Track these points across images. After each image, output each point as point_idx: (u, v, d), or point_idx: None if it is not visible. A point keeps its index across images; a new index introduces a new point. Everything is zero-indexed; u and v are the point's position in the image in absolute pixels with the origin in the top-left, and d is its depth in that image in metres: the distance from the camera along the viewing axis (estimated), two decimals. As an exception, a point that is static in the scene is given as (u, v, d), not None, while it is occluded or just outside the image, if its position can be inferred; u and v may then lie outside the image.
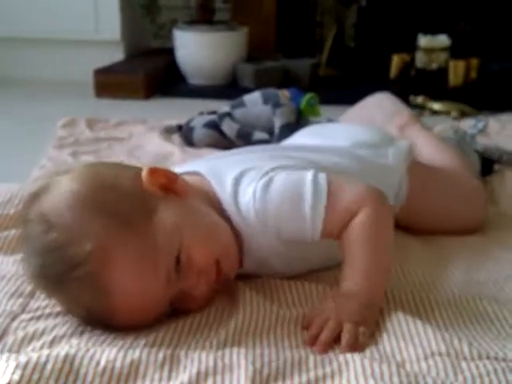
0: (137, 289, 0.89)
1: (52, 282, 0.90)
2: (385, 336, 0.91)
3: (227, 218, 1.02)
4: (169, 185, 0.97)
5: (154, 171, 0.97)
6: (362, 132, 1.37)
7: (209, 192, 1.04)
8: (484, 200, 1.36)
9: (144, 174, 0.96)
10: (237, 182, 1.03)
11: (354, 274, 0.96)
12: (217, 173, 1.06)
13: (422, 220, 1.29)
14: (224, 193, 1.03)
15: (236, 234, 1.02)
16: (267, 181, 1.01)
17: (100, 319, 0.91)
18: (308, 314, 0.95)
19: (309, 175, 1.01)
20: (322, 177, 1.01)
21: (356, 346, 0.87)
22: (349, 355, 0.85)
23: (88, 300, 0.89)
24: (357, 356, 0.84)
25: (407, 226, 1.28)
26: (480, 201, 1.34)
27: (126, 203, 0.92)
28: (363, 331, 0.89)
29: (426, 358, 0.85)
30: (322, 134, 1.36)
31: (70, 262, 0.87)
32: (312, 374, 0.81)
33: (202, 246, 0.95)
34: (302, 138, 1.38)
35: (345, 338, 0.87)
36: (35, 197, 0.93)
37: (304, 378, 0.81)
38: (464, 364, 0.82)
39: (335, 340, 0.88)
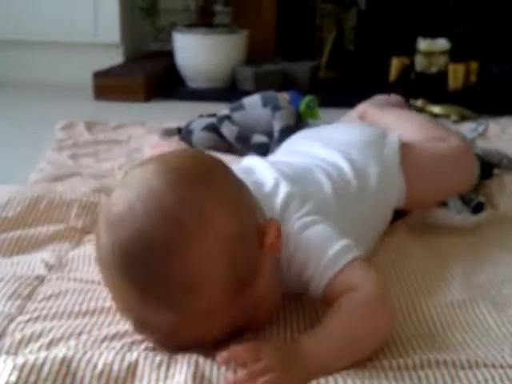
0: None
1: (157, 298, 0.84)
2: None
3: None
4: (274, 244, 0.91)
5: (278, 229, 0.91)
6: (358, 132, 1.36)
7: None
8: (472, 157, 1.38)
9: (271, 233, 0.90)
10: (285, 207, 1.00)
11: (319, 335, 0.87)
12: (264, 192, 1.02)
13: (419, 200, 1.30)
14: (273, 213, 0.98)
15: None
16: (307, 222, 0.98)
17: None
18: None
19: (343, 240, 0.96)
20: (353, 250, 0.96)
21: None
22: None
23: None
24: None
25: (409, 208, 1.31)
26: (469, 160, 1.36)
27: (249, 261, 0.86)
28: (277, 376, 0.79)
29: (422, 367, 0.84)
30: (322, 139, 1.33)
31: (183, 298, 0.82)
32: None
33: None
34: (301, 141, 1.37)
35: (240, 373, 0.80)
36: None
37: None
38: (462, 373, 0.82)
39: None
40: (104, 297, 1.04)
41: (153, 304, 0.83)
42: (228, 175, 0.93)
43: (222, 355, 0.81)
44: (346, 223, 1.06)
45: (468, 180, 1.38)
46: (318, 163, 1.18)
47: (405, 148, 1.29)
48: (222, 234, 0.84)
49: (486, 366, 0.84)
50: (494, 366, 0.84)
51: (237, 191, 0.91)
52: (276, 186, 1.05)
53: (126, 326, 0.94)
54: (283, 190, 1.03)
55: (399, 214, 1.36)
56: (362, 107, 1.66)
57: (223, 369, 0.82)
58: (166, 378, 0.81)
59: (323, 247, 0.95)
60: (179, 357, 0.85)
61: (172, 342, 0.87)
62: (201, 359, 0.84)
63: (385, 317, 0.92)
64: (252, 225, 0.89)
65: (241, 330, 0.90)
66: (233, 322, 0.87)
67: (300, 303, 1.02)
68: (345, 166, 1.18)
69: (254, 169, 1.13)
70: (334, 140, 1.30)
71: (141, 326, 0.88)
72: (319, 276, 0.94)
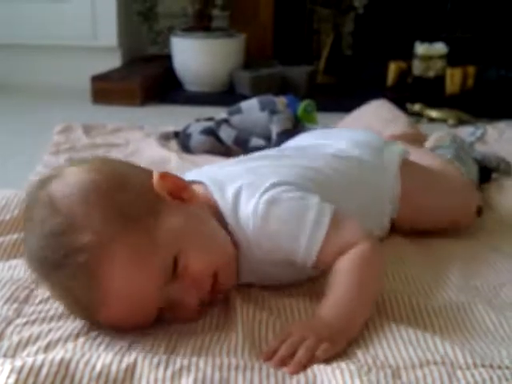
0: (129, 284, 0.89)
1: (48, 265, 0.90)
2: (379, 343, 0.91)
3: (228, 230, 1.02)
4: (177, 191, 0.98)
5: (164, 176, 0.98)
6: (358, 134, 1.38)
7: (211, 202, 1.04)
8: (474, 194, 1.38)
9: (155, 177, 0.97)
10: (238, 194, 1.03)
11: (332, 301, 0.95)
12: (219, 183, 1.06)
13: (413, 218, 1.29)
14: (225, 204, 1.03)
15: (235, 245, 1.03)
16: (270, 199, 1.01)
17: (86, 311, 0.92)
18: (280, 331, 0.94)
19: (314, 202, 1.02)
20: (327, 208, 1.02)
21: (311, 361, 0.85)
22: (340, 364, 0.84)
23: (79, 289, 0.89)
24: (346, 365, 0.84)
25: (400, 226, 1.30)
26: (470, 194, 1.36)
27: (134, 200, 0.92)
28: (326, 347, 0.87)
29: (421, 367, 0.85)
30: (320, 136, 1.37)
31: (69, 249, 0.87)
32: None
33: (202, 255, 0.95)
34: (300, 138, 1.40)
35: (298, 352, 0.86)
36: (46, 181, 0.94)
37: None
38: (459, 373, 0.82)
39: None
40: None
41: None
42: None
43: (264, 355, 0.87)
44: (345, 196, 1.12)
45: (465, 216, 1.35)
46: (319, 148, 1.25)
47: (408, 162, 1.31)
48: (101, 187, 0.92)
49: (483, 366, 0.84)
50: (491, 367, 0.84)
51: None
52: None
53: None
54: (237, 183, 1.06)
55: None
56: (398, 129, 1.71)
57: (224, 379, 0.82)
58: (164, 378, 0.81)
59: (298, 222, 1.00)
60: (178, 358, 0.85)
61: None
62: (201, 361, 0.84)
63: (379, 262, 1.02)
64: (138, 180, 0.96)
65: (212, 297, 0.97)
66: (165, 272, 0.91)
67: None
68: (346, 160, 1.22)
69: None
70: (337, 137, 1.34)
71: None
72: (306, 246, 0.99)
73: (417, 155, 1.38)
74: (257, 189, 1.03)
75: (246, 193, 1.03)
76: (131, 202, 0.92)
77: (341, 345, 0.89)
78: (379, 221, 1.26)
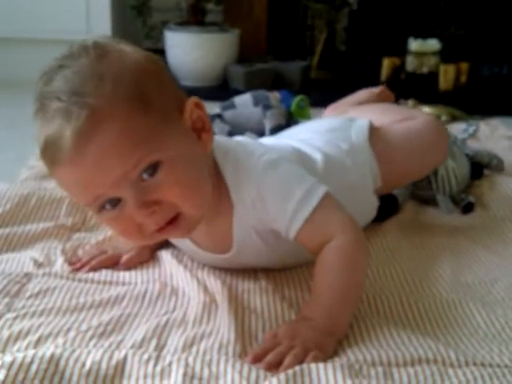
0: (102, 151, 0.87)
1: (49, 92, 0.92)
2: (371, 342, 0.91)
3: (220, 186, 1.02)
4: (200, 127, 0.97)
5: (199, 106, 0.98)
6: (322, 122, 1.40)
7: (210, 161, 1.02)
8: (440, 127, 1.39)
9: (191, 101, 0.97)
10: (239, 154, 1.03)
11: (318, 300, 0.94)
12: (222, 146, 1.05)
13: (396, 180, 1.32)
14: (226, 162, 1.02)
15: (226, 207, 1.02)
16: (271, 161, 1.02)
17: (53, 152, 0.90)
18: (263, 336, 0.93)
19: (310, 179, 1.02)
20: (323, 187, 1.01)
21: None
22: (332, 362, 0.84)
23: (59, 125, 0.88)
24: (337, 363, 0.84)
25: (390, 189, 1.34)
26: (437, 130, 1.37)
27: (162, 96, 0.92)
28: (314, 354, 0.85)
29: (413, 365, 0.85)
30: (289, 134, 1.37)
31: (80, 92, 0.88)
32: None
33: (178, 184, 0.92)
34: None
35: (285, 360, 0.85)
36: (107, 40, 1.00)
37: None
38: (451, 371, 0.83)
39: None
40: (92, 293, 1.05)
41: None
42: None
43: (248, 360, 0.86)
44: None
45: (441, 153, 1.38)
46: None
47: (374, 130, 1.32)
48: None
49: (475, 364, 0.85)
50: (482, 365, 0.85)
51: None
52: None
53: (114, 322, 0.95)
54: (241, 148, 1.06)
55: (390, 213, 1.37)
56: (326, 113, 1.69)
57: (214, 374, 0.82)
58: (153, 374, 0.81)
59: (292, 188, 1.00)
60: (168, 355, 0.85)
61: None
62: (191, 358, 0.84)
63: (363, 257, 1.00)
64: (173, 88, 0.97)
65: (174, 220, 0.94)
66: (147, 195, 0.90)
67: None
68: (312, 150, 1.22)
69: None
70: (302, 131, 1.35)
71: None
72: (292, 216, 0.99)
73: (379, 116, 1.40)
74: (260, 152, 1.04)
75: (248, 153, 1.03)
76: (159, 95, 0.91)
77: (330, 348, 0.89)
78: (366, 199, 1.27)
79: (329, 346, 0.89)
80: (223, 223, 1.04)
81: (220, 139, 1.06)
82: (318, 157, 1.18)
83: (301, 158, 1.14)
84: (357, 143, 1.27)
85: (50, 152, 0.90)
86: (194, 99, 0.97)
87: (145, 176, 0.89)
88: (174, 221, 0.94)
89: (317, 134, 1.29)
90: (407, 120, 1.36)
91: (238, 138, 1.18)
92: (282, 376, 0.80)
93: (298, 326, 0.91)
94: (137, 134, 0.88)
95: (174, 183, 0.91)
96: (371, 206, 1.28)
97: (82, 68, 0.90)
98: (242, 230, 1.04)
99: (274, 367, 0.84)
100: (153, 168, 0.89)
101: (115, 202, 0.91)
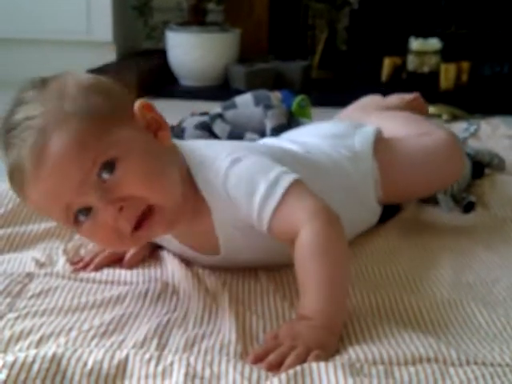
0: (59, 162, 0.90)
1: (6, 120, 0.96)
2: (372, 341, 0.91)
3: (194, 188, 1.02)
4: (154, 125, 0.99)
5: (149, 106, 1.00)
6: (327, 126, 1.39)
7: (183, 166, 1.03)
8: (456, 148, 1.36)
9: (138, 103, 0.99)
10: (208, 157, 1.04)
11: (309, 297, 0.93)
12: (191, 148, 1.06)
13: (400, 193, 1.31)
14: (195, 165, 1.03)
15: (204, 206, 1.03)
16: (237, 158, 1.02)
17: (21, 176, 0.93)
18: (264, 337, 0.93)
19: (276, 169, 1.01)
20: (288, 177, 1.00)
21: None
22: (333, 361, 0.84)
23: (20, 151, 0.92)
24: (339, 361, 0.84)
25: (396, 201, 1.33)
26: (452, 151, 1.34)
27: (110, 103, 0.96)
28: (317, 354, 0.85)
29: (414, 363, 0.85)
30: (293, 136, 1.37)
31: (25, 114, 0.93)
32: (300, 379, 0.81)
33: (139, 178, 0.93)
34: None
35: (287, 359, 0.84)
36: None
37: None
38: (452, 370, 0.82)
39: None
40: (94, 293, 1.05)
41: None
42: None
43: (249, 360, 0.85)
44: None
45: (453, 174, 1.36)
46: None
47: (383, 140, 1.31)
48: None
49: (476, 363, 0.85)
50: (484, 364, 0.84)
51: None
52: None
53: (115, 322, 0.95)
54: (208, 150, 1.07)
55: (391, 213, 1.37)
56: (346, 112, 1.67)
57: (215, 374, 0.82)
58: (155, 374, 0.81)
59: (256, 181, 0.99)
60: (169, 354, 0.85)
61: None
62: (192, 358, 0.84)
63: (338, 240, 0.97)
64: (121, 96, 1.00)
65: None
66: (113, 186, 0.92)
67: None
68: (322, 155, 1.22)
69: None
70: (305, 134, 1.34)
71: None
72: (260, 206, 0.98)
73: (397, 126, 1.39)
74: (227, 155, 1.03)
75: (217, 157, 1.03)
76: (107, 103, 0.95)
77: (332, 346, 0.89)
78: (368, 205, 1.26)
79: (331, 344, 0.89)
80: (204, 224, 1.05)
81: (190, 143, 1.08)
82: (316, 156, 1.18)
83: (289, 157, 1.13)
84: (360, 150, 1.26)
85: (16, 176, 0.94)
86: (140, 101, 0.99)
87: (105, 176, 0.91)
88: (148, 216, 0.95)
89: (319, 138, 1.28)
90: (423, 135, 1.34)
91: (211, 141, 1.19)
92: (283, 376, 0.80)
93: (299, 326, 0.90)
94: (87, 136, 0.90)
95: (134, 175, 0.92)
96: (373, 212, 1.29)
97: (29, 97, 0.96)
98: (224, 229, 1.05)
99: (276, 367, 0.83)
100: (110, 166, 0.91)
101: (86, 212, 0.93)
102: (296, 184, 0.99)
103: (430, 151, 1.31)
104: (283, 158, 1.10)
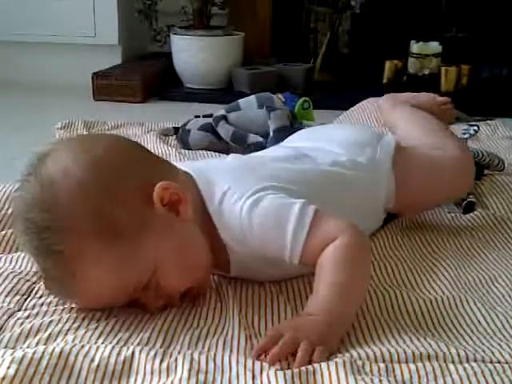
0: (101, 288, 0.93)
1: (29, 245, 0.93)
2: (372, 338, 0.92)
3: (213, 228, 1.03)
4: (174, 204, 0.98)
5: (166, 188, 0.97)
6: (350, 132, 1.39)
7: (197, 199, 1.03)
8: (466, 164, 1.38)
9: (157, 188, 0.96)
10: (224, 196, 1.03)
11: (319, 297, 0.94)
12: (207, 181, 1.05)
13: (410, 205, 1.31)
14: (212, 204, 1.03)
15: (221, 245, 1.04)
16: (255, 199, 1.01)
17: (61, 289, 0.97)
18: (267, 331, 0.94)
19: (298, 202, 1.01)
20: (311, 207, 1.01)
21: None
22: (335, 359, 0.85)
23: (54, 274, 0.93)
24: (340, 359, 0.85)
25: (400, 211, 1.32)
26: (463, 167, 1.36)
27: (126, 211, 0.92)
28: (321, 350, 0.86)
29: (414, 361, 0.85)
30: (311, 138, 1.36)
31: (50, 244, 0.90)
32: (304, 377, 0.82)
33: (179, 274, 0.96)
34: (293, 142, 1.39)
35: (298, 356, 0.84)
36: (45, 156, 0.95)
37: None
38: (452, 366, 0.83)
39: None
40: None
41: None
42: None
43: (254, 353, 0.87)
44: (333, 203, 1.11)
45: (461, 188, 1.38)
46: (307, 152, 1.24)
47: (400, 151, 1.31)
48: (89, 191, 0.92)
49: (475, 360, 0.85)
50: (483, 361, 0.85)
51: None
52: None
53: (122, 320, 0.96)
54: (225, 184, 1.05)
55: (392, 217, 1.37)
56: (381, 101, 1.73)
57: (218, 367, 0.83)
58: (160, 370, 0.82)
59: (282, 218, 1.00)
60: (174, 351, 0.87)
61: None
62: (196, 353, 0.86)
63: (364, 254, 1.01)
64: (133, 187, 0.95)
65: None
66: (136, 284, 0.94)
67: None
68: (334, 155, 1.23)
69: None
70: (327, 139, 1.33)
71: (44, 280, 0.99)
72: (291, 246, 0.99)
73: (416, 132, 1.42)
74: (245, 191, 1.03)
75: (235, 195, 1.03)
76: (123, 210, 0.92)
77: (334, 344, 0.89)
78: (375, 215, 1.28)
79: (332, 340, 0.89)
80: (219, 256, 1.06)
81: (201, 177, 1.06)
82: (330, 172, 1.20)
83: (301, 176, 1.14)
84: (381, 162, 1.26)
85: (52, 286, 0.98)
86: (160, 186, 0.96)
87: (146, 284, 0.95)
88: (187, 292, 1.01)
89: (339, 145, 1.28)
90: (438, 149, 1.35)
91: (228, 162, 1.19)
92: (288, 372, 0.81)
93: (301, 319, 0.92)
94: (119, 265, 0.91)
95: (175, 278, 0.96)
96: (379, 219, 1.30)
97: (30, 211, 0.92)
98: (240, 262, 1.06)
99: (279, 359, 0.84)
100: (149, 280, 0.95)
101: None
102: (318, 211, 1.01)
103: (441, 167, 1.32)
104: (295, 180, 1.12)
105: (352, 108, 2.22)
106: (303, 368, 0.82)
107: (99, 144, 0.98)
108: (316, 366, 0.82)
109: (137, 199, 0.94)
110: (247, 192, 1.02)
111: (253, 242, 1.01)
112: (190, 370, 0.82)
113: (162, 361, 0.84)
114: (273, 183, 1.06)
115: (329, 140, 1.31)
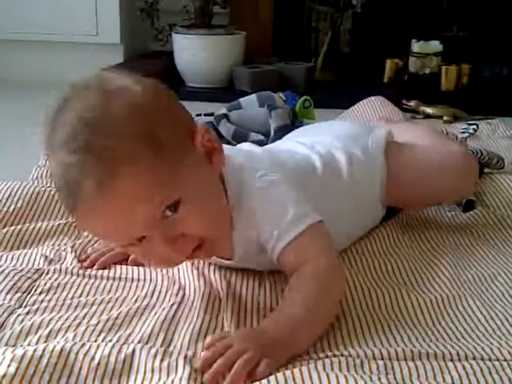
0: (124, 201, 0.87)
1: (66, 145, 0.89)
2: (371, 337, 0.93)
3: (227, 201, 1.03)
4: (211, 151, 0.98)
5: (208, 131, 0.98)
6: (342, 126, 1.40)
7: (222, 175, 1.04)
8: (469, 164, 1.38)
9: (200, 128, 0.97)
10: (245, 169, 1.05)
11: (277, 316, 0.93)
12: (230, 162, 1.05)
13: (405, 198, 1.31)
14: (232, 177, 1.04)
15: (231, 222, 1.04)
16: (272, 182, 1.03)
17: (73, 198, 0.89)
18: (212, 336, 0.90)
19: (306, 206, 1.03)
20: (315, 215, 1.02)
21: (251, 375, 0.81)
22: (333, 357, 0.86)
23: (75, 177, 0.87)
24: (338, 358, 0.85)
25: (399, 205, 1.33)
26: (465, 166, 1.35)
27: (173, 134, 0.91)
28: (267, 362, 0.83)
29: (413, 359, 0.86)
30: (307, 134, 1.37)
31: (93, 145, 0.86)
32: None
33: (198, 217, 0.93)
34: (288, 139, 1.40)
35: (236, 366, 0.81)
36: (112, 74, 0.98)
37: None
38: (451, 364, 0.83)
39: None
40: (101, 289, 1.06)
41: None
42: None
43: (199, 366, 0.84)
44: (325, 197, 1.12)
45: (466, 188, 1.38)
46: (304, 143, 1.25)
47: (395, 145, 1.32)
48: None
49: (474, 358, 0.85)
50: (482, 359, 0.85)
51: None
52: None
53: (122, 318, 0.97)
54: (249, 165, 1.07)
55: (392, 213, 1.38)
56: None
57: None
58: (160, 368, 0.83)
59: (283, 210, 1.01)
60: (175, 350, 0.87)
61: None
62: (197, 352, 0.86)
63: (338, 282, 1.00)
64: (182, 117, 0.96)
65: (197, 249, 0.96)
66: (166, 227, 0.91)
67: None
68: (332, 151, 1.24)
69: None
70: (321, 133, 1.35)
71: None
72: (276, 239, 1.00)
73: (415, 136, 1.40)
74: (260, 171, 1.05)
75: (251, 171, 1.05)
76: (170, 135, 0.90)
77: (281, 358, 0.86)
78: (374, 209, 1.28)
79: (280, 355, 0.86)
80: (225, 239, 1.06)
81: (229, 152, 1.05)
82: (335, 154, 1.21)
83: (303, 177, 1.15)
84: (372, 152, 1.27)
85: (68, 198, 0.90)
86: (203, 127, 0.97)
87: (168, 213, 0.90)
88: (199, 246, 0.96)
89: (336, 138, 1.29)
90: (440, 148, 1.36)
91: (247, 148, 1.19)
92: (280, 373, 0.81)
93: (253, 333, 0.90)
94: (156, 176, 0.87)
95: (197, 217, 0.93)
96: (377, 217, 1.30)
97: (88, 111, 0.90)
98: (242, 241, 1.06)
99: (222, 375, 0.82)
100: (174, 206, 0.91)
101: (140, 238, 0.93)
102: (317, 224, 1.01)
103: (441, 162, 1.32)
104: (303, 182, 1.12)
105: (352, 107, 2.23)
106: (303, 368, 0.82)
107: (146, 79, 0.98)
108: (313, 365, 0.83)
109: (183, 129, 0.95)
110: (268, 172, 1.05)
111: (254, 222, 1.02)
112: (190, 369, 0.82)
113: (162, 359, 0.84)
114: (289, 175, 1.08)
115: (327, 134, 1.32)
